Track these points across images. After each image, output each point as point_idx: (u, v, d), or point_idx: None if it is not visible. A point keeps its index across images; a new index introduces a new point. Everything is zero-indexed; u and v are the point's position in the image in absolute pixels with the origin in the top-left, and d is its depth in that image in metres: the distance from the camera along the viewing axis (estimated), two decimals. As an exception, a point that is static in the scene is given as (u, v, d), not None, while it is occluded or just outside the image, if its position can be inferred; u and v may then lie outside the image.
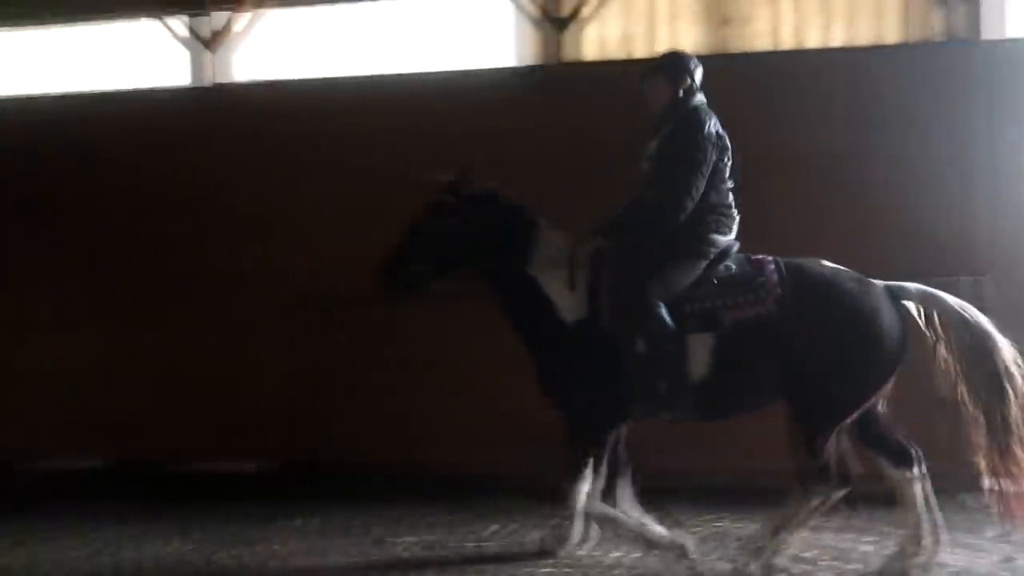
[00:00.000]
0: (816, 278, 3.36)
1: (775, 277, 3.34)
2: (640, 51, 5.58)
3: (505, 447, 4.62)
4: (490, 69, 5.52)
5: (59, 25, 6.11)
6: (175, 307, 5.36)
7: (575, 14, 5.55)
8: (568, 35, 5.54)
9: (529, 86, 5.13)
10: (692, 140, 3.41)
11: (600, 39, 5.70)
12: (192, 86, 5.93)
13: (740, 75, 4.72)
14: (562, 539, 3.61)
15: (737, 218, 3.51)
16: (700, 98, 3.55)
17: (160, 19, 5.75)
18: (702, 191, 3.40)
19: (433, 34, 5.81)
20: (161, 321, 5.36)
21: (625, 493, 3.66)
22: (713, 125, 3.44)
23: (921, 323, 3.28)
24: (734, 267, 3.44)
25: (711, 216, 3.44)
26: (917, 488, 3.23)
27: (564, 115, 4.91)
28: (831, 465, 3.22)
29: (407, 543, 4.00)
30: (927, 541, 3.19)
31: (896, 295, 3.32)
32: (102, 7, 5.82)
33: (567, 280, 3.50)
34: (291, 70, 5.75)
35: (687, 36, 5.45)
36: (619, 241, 3.54)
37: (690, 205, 3.39)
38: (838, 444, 3.28)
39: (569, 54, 5.60)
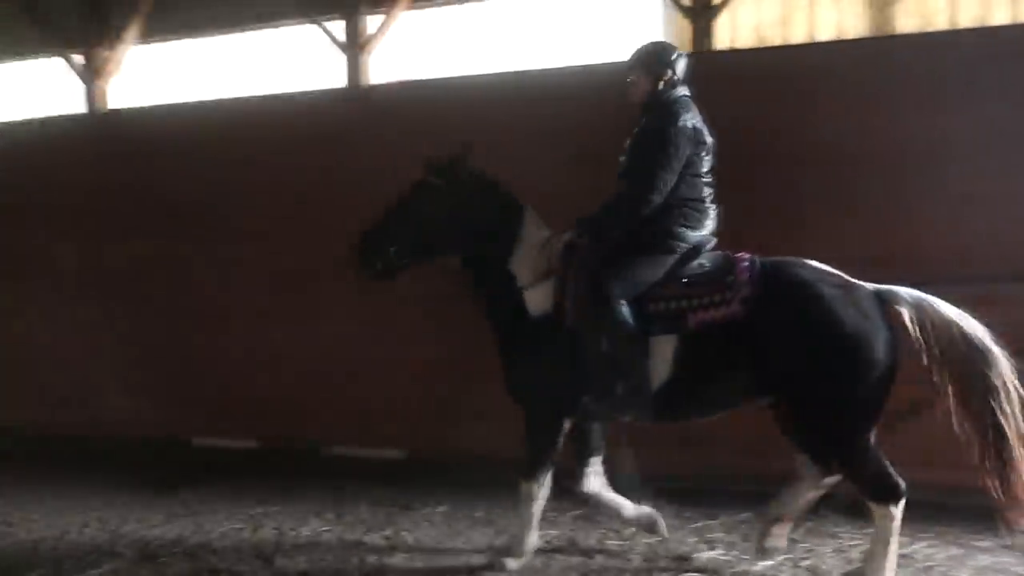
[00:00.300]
0: (793, 279, 3.20)
1: (746, 276, 3.21)
2: (798, 35, 5.22)
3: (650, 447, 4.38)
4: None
5: (224, 34, 6.58)
6: (329, 301, 5.61)
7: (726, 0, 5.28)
8: (717, 21, 5.27)
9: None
10: (664, 133, 3.34)
11: (755, 23, 5.39)
12: (348, 87, 6.19)
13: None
14: (516, 549, 3.51)
15: (713, 214, 3.42)
16: (680, 91, 3.48)
17: (319, 24, 6.03)
18: (671, 184, 3.33)
19: (578, 27, 5.71)
20: (316, 314, 5.63)
21: (596, 481, 3.65)
22: (690, 119, 3.37)
23: (913, 331, 3.07)
24: (708, 265, 3.35)
25: (680, 210, 3.36)
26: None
27: (708, 105, 4.73)
28: (885, 477, 3.06)
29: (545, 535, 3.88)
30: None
31: (886, 300, 3.14)
32: (263, 16, 6.22)
33: (538, 273, 3.47)
34: (439, 68, 5.82)
35: (847, 17, 5.04)
36: (591, 235, 3.46)
37: (656, 198, 3.32)
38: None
39: (720, 41, 5.32)
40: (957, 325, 3.07)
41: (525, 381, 3.49)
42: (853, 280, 3.19)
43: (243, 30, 6.49)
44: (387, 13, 5.79)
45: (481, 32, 5.79)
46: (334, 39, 6.08)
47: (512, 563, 3.48)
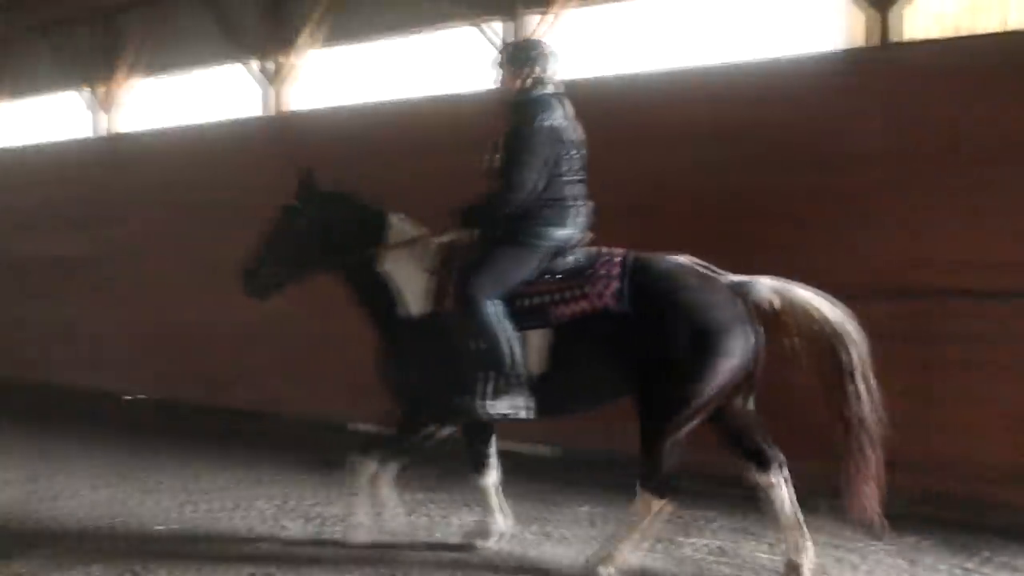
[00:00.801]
0: (658, 273, 3.30)
1: (615, 271, 3.29)
2: (990, 24, 4.78)
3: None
4: (817, 54, 5.06)
5: (394, 37, 6.86)
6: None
7: (907, -12, 4.92)
8: (900, 11, 4.91)
9: (852, 71, 4.68)
10: (521, 133, 3.37)
11: (942, 11, 4.98)
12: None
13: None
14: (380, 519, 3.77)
15: (583, 210, 3.48)
16: (545, 89, 3.49)
17: (478, 27, 6.15)
18: (534, 183, 3.34)
19: (756, 21, 5.43)
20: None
21: (493, 474, 3.77)
22: (548, 118, 3.37)
23: (777, 318, 3.19)
24: (581, 260, 3.41)
25: (546, 209, 3.38)
26: (782, 493, 3.21)
27: (889, 100, 4.46)
28: (666, 475, 3.21)
29: (696, 544, 3.85)
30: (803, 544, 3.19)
31: (744, 291, 3.23)
32: (429, 19, 6.43)
33: (412, 274, 3.58)
34: (607, 66, 5.70)
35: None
36: (467, 234, 3.55)
37: (517, 197, 3.35)
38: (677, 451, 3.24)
39: (905, 32, 4.96)
40: (816, 309, 3.14)
41: (402, 380, 3.60)
42: (717, 273, 3.31)
43: (412, 34, 6.72)
44: (549, 13, 5.82)
45: (650, 28, 5.65)
46: (493, 41, 6.18)
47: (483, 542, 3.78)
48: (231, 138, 7.15)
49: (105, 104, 8.36)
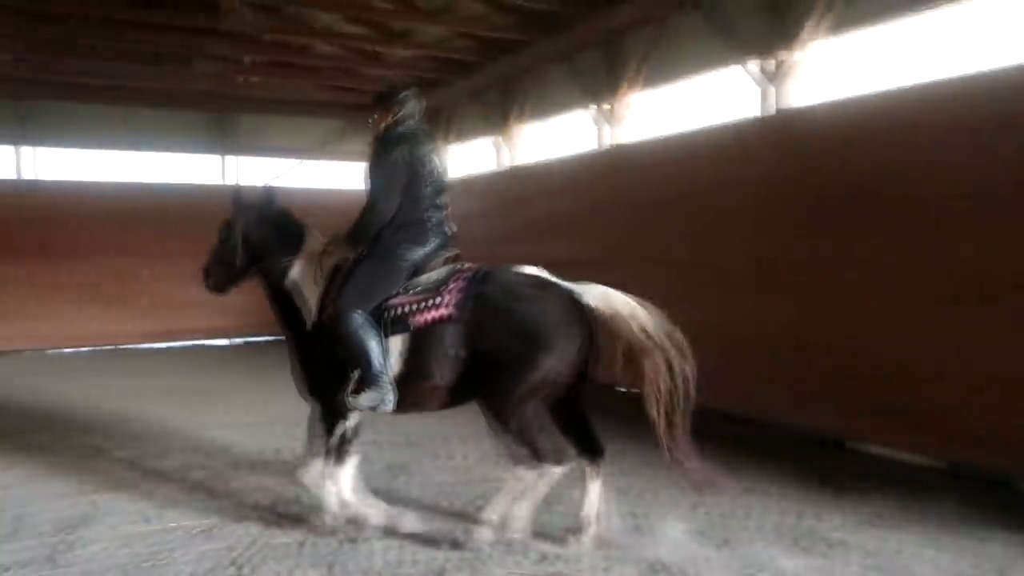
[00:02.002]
0: (497, 284, 3.83)
1: (462, 283, 3.84)
2: None
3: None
4: None
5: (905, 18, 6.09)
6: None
7: None
8: None
9: None
10: (380, 164, 3.96)
11: None
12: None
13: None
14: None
15: (440, 231, 4.04)
16: (408, 126, 4.08)
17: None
18: (390, 208, 3.93)
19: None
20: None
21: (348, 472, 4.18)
22: (406, 151, 3.94)
23: (605, 319, 3.73)
24: (441, 275, 3.94)
25: (403, 230, 3.93)
26: (595, 479, 3.90)
27: None
28: (543, 445, 3.71)
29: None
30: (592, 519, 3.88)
31: (576, 297, 3.77)
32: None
33: (312, 286, 4.12)
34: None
35: None
36: (339, 252, 4.16)
37: (376, 221, 3.95)
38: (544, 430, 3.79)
39: None
40: (630, 311, 3.72)
41: (309, 381, 4.13)
42: (554, 281, 3.87)
43: (937, 7, 5.89)
44: None
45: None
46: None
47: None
48: (725, 141, 7.17)
49: (610, 118, 9.07)
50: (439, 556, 3.90)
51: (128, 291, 12.31)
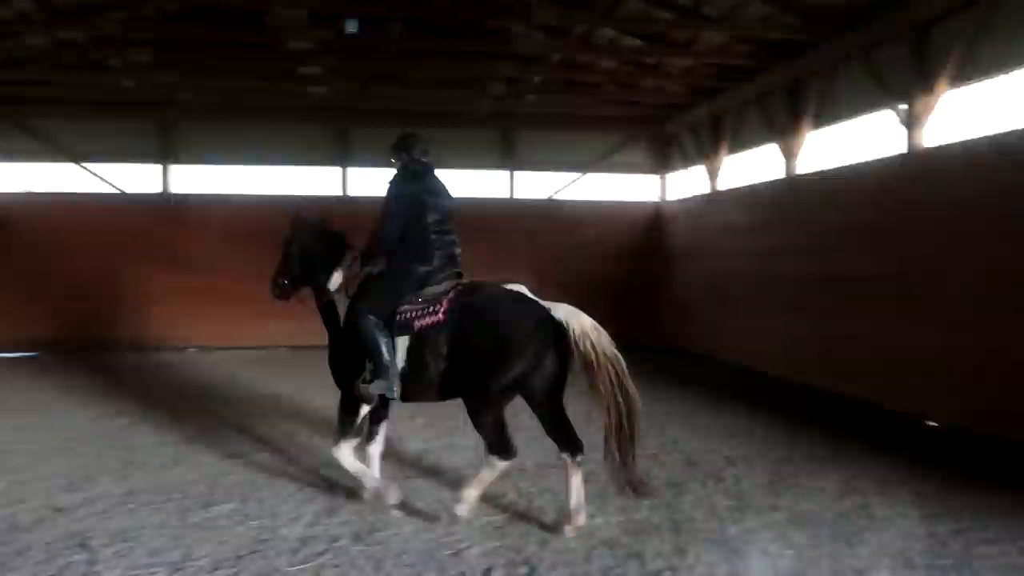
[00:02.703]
0: (480, 297, 4.57)
1: (452, 295, 4.59)
2: None
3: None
4: None
5: None
6: None
7: None
8: None
9: None
10: (386, 199, 4.83)
11: None
12: None
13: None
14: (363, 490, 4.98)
15: (442, 252, 4.78)
16: (419, 165, 4.91)
17: None
18: (394, 234, 4.73)
19: None
20: None
21: (376, 446, 5.13)
22: (410, 188, 4.78)
23: (568, 335, 4.31)
24: (441, 288, 4.70)
25: (409, 251, 4.72)
26: (577, 472, 4.46)
27: None
28: (498, 440, 4.40)
29: None
30: (577, 510, 4.44)
31: (547, 314, 4.40)
32: None
33: (343, 296, 4.98)
34: None
35: None
36: (361, 268, 4.98)
37: (384, 245, 4.79)
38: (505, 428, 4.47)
39: None
40: (595, 333, 4.33)
41: (337, 374, 4.95)
42: (531, 299, 4.54)
43: None
44: None
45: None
46: None
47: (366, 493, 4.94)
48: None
49: (913, 119, 8.18)
50: None
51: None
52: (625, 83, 12.00)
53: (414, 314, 4.61)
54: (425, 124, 13.43)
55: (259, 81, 11.61)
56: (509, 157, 14.05)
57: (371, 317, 4.61)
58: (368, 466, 5.00)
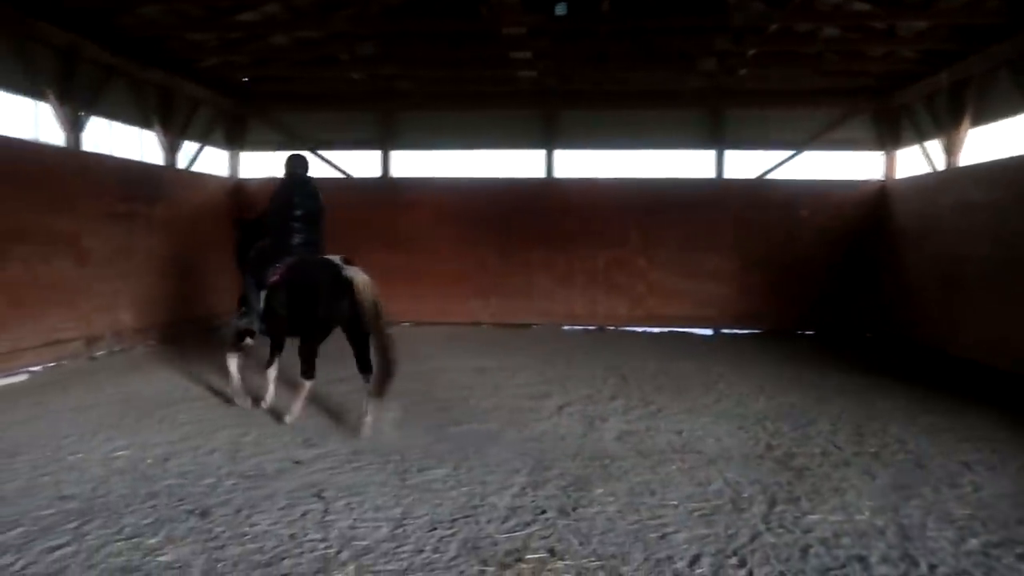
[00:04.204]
0: (300, 263, 6.31)
1: (289, 262, 6.32)
2: None
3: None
4: None
5: None
6: None
7: None
8: None
9: None
10: (271, 198, 6.70)
11: None
12: None
13: None
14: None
15: (301, 236, 6.50)
16: (291, 178, 6.69)
17: None
18: (274, 222, 6.56)
19: None
20: None
21: (271, 373, 7.00)
22: (286, 192, 6.56)
23: (354, 288, 5.91)
24: (291, 259, 6.36)
25: (280, 235, 6.49)
26: (367, 391, 6.22)
27: None
28: (308, 367, 6.26)
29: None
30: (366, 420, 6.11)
31: (341, 271, 6.03)
32: None
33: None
34: None
35: None
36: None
37: (267, 229, 6.71)
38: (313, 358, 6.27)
39: None
40: (368, 288, 5.90)
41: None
42: (333, 262, 6.15)
43: None
44: None
45: None
46: None
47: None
48: None
49: None
50: None
51: (626, 278, 13.45)
52: (849, 51, 11.09)
53: (269, 275, 6.40)
54: (631, 105, 13.39)
55: (472, 68, 12.03)
56: (717, 136, 13.53)
57: (249, 276, 6.65)
58: (266, 383, 6.97)
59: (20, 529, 4.13)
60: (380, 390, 5.98)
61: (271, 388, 6.94)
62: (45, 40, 9.31)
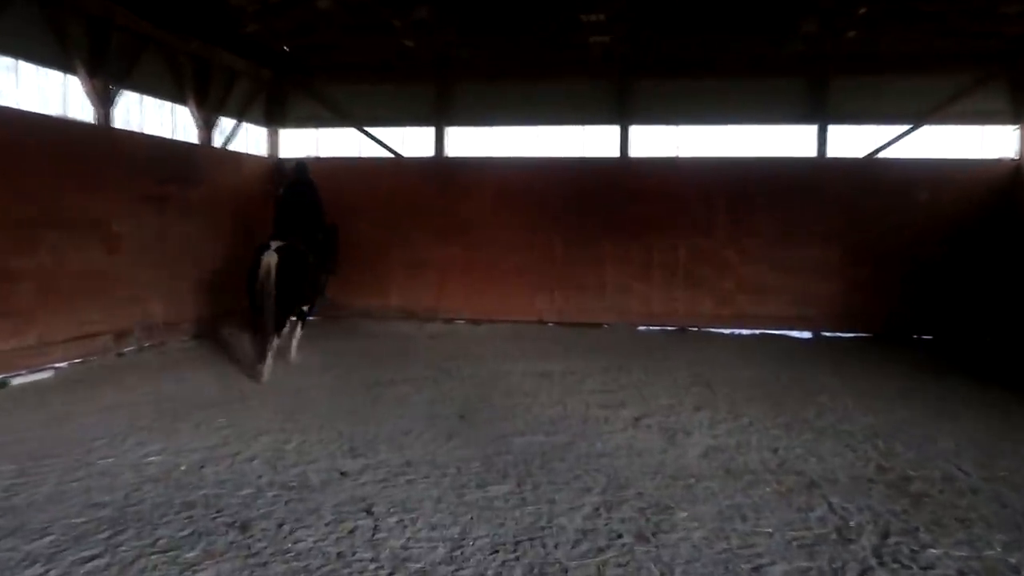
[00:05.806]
0: (259, 248, 8.96)
1: (274, 246, 8.86)
2: None
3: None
4: None
5: None
6: None
7: None
8: None
9: None
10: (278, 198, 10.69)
11: None
12: None
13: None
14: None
15: (287, 227, 9.64)
16: (290, 180, 10.52)
17: None
18: (278, 216, 10.11)
19: None
20: None
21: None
22: (285, 192, 10.38)
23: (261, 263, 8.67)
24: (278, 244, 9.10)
25: (277, 224, 9.93)
26: (293, 335, 9.84)
27: None
28: (270, 328, 8.81)
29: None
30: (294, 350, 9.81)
31: (262, 253, 8.78)
32: None
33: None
34: None
35: None
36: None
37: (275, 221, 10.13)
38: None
39: None
40: (269, 267, 8.58)
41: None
42: (266, 245, 8.86)
43: None
44: None
45: None
46: None
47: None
48: None
49: None
50: None
51: (712, 272, 13.27)
52: (979, 8, 10.69)
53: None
54: (718, 74, 13.18)
55: (538, 34, 12.02)
56: (819, 108, 13.22)
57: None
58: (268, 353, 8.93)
59: (50, 537, 4.31)
60: (264, 351, 8.79)
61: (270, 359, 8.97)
62: (77, 7, 9.67)
